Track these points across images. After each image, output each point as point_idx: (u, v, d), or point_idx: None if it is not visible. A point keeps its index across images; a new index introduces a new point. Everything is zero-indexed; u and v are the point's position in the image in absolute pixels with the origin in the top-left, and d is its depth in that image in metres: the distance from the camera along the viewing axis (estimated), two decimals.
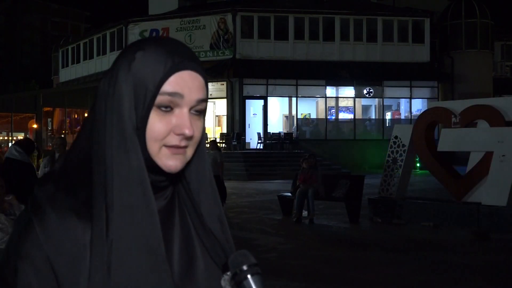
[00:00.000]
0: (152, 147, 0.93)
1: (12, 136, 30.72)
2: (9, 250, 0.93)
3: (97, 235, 0.89)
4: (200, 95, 0.96)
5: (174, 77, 0.93)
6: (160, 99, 0.93)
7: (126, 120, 0.92)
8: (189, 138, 0.95)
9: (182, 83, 0.94)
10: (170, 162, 0.94)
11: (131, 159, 0.91)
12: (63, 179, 0.95)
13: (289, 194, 11.92)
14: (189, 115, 0.95)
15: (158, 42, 0.96)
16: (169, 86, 0.93)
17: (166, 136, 0.94)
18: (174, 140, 0.94)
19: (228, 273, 0.93)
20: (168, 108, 0.93)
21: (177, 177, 1.02)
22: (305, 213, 11.04)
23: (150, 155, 0.94)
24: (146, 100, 0.92)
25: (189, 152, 0.97)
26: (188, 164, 0.99)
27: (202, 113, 0.98)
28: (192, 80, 0.95)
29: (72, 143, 1.00)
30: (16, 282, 0.90)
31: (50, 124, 31.01)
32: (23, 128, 32.18)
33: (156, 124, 0.93)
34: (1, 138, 30.36)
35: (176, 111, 0.94)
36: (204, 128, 1.01)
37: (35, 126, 29.33)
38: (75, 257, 0.89)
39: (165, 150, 0.94)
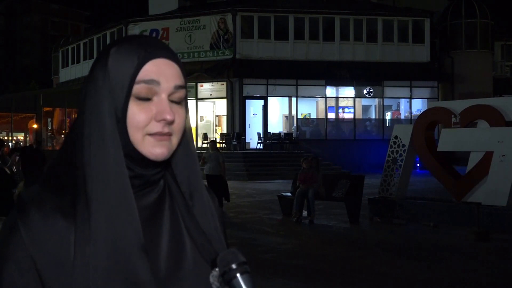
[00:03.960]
0: (135, 136, 0.94)
1: (12, 136, 30.73)
2: None
3: (80, 234, 0.89)
4: (177, 81, 0.97)
5: (148, 65, 0.94)
6: (137, 88, 0.94)
7: (105, 114, 0.92)
8: (171, 123, 0.95)
9: (157, 70, 0.95)
10: (156, 149, 0.95)
11: (109, 153, 0.91)
12: (49, 180, 0.95)
13: (289, 194, 11.92)
14: (168, 101, 0.96)
15: (131, 38, 0.99)
16: (144, 74, 0.94)
17: (147, 125, 0.94)
18: (156, 127, 0.94)
19: (217, 269, 0.93)
20: (146, 96, 0.94)
21: (165, 170, 1.02)
22: (305, 213, 11.04)
23: (134, 146, 0.94)
24: (123, 91, 0.93)
25: (174, 140, 0.97)
26: (174, 155, 1.00)
27: (182, 101, 0.99)
28: (167, 67, 0.96)
29: (60, 145, 1.01)
30: (0, 283, 0.90)
31: (50, 124, 31.01)
32: (23, 128, 32.18)
33: (136, 113, 0.94)
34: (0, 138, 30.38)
35: (155, 99, 0.95)
36: (187, 117, 1.00)
37: (35, 126, 29.33)
38: (60, 257, 0.89)
39: (149, 138, 0.95)
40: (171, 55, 0.98)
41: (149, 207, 1.00)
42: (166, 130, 0.95)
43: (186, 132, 1.01)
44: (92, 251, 0.88)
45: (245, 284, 0.89)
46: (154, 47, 0.96)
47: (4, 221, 0.95)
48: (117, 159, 0.92)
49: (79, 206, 0.91)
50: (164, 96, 0.95)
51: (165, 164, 1.00)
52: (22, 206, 0.92)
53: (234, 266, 0.90)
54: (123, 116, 0.94)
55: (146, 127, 0.94)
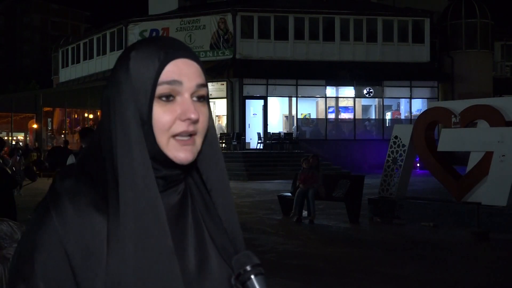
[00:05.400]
0: (161, 139, 0.95)
1: (12, 136, 30.73)
2: (26, 240, 0.94)
3: (112, 230, 0.91)
4: (198, 80, 0.98)
5: (169, 66, 0.95)
6: (160, 89, 0.95)
7: (129, 118, 0.93)
8: (195, 122, 0.96)
9: (178, 70, 0.96)
10: (180, 154, 0.96)
11: (135, 157, 0.92)
12: (82, 173, 0.97)
13: (289, 194, 11.92)
14: (191, 100, 0.97)
15: (150, 40, 1.00)
16: (166, 75, 0.95)
17: (172, 125, 0.95)
18: (181, 126, 0.95)
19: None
20: (170, 97, 0.95)
21: (190, 170, 1.03)
22: (305, 213, 11.05)
23: (160, 148, 0.95)
24: (147, 94, 0.94)
25: (198, 141, 0.98)
26: (200, 153, 1.00)
27: (205, 99, 1.00)
28: (188, 67, 0.97)
29: (91, 139, 1.03)
30: (33, 272, 0.91)
31: (50, 124, 31.02)
32: (23, 128, 32.19)
33: (161, 115, 0.95)
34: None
35: (178, 99, 0.96)
36: (210, 116, 1.02)
37: (35, 126, 29.34)
38: (92, 249, 0.91)
39: (173, 142, 0.96)
40: (190, 55, 0.99)
41: (173, 207, 1.01)
42: (191, 128, 0.96)
43: (210, 130, 1.02)
44: (121, 252, 0.89)
45: (259, 286, 0.92)
46: (174, 48, 0.97)
47: (37, 212, 0.96)
48: (143, 162, 0.92)
49: (110, 203, 0.92)
50: (187, 95, 0.96)
51: (191, 165, 1.01)
52: (56, 198, 0.94)
53: (248, 268, 0.93)
54: (149, 118, 0.94)
55: (171, 128, 0.95)
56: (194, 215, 1.04)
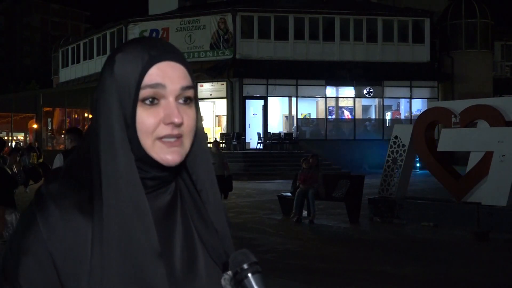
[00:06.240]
0: (145, 141, 0.94)
1: (12, 136, 30.74)
2: (11, 244, 0.94)
3: (96, 233, 0.91)
4: (183, 82, 0.97)
5: (153, 69, 0.95)
6: (143, 93, 0.94)
7: (113, 121, 0.93)
8: (180, 126, 0.95)
9: (162, 74, 0.95)
10: (168, 156, 0.95)
11: (119, 160, 0.92)
12: (69, 177, 0.97)
13: (289, 194, 11.92)
14: (176, 103, 0.96)
15: (135, 41, 0.99)
16: (149, 78, 0.94)
17: (156, 128, 0.94)
18: (165, 130, 0.95)
19: (229, 272, 0.94)
20: (154, 101, 0.95)
21: (180, 171, 1.03)
22: (305, 213, 11.05)
23: (146, 151, 0.95)
24: (130, 97, 0.94)
25: (186, 142, 0.97)
26: (189, 154, 1.00)
27: (191, 101, 0.99)
28: (172, 70, 0.96)
29: (80, 143, 1.03)
30: (17, 275, 0.91)
31: (50, 124, 31.03)
32: (23, 128, 32.21)
33: (144, 118, 0.94)
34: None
35: (162, 102, 0.95)
36: (198, 117, 1.01)
37: (35, 126, 29.35)
38: (77, 253, 0.90)
39: (159, 144, 0.95)
40: (176, 57, 0.98)
41: (162, 208, 1.01)
42: (175, 132, 0.95)
43: (198, 131, 1.01)
44: (105, 255, 0.89)
45: (256, 284, 0.90)
46: (158, 50, 0.96)
47: (22, 216, 0.96)
48: (127, 164, 0.92)
49: (95, 206, 0.92)
50: (171, 99, 0.96)
51: (181, 165, 1.00)
52: (42, 201, 0.94)
53: (245, 266, 0.91)
54: (132, 122, 0.94)
55: (155, 131, 0.95)
56: (184, 215, 1.03)
